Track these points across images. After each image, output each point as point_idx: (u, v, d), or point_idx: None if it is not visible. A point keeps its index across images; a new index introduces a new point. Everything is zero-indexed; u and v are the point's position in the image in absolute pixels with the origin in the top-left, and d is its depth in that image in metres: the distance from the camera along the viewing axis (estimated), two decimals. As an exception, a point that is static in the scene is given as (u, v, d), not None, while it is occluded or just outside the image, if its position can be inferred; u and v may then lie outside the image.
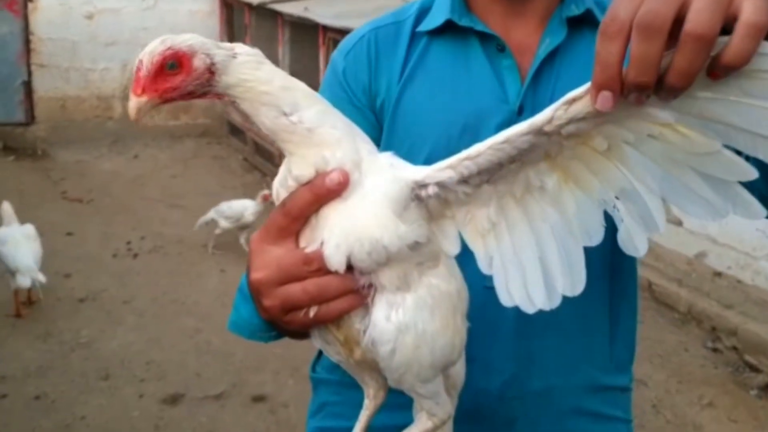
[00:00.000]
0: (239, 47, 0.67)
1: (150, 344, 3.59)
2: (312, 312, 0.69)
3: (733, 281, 4.06)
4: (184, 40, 0.64)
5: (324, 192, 0.66)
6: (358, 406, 1.02)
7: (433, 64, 1.01)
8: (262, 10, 6.10)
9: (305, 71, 5.04)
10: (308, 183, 0.67)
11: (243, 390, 3.25)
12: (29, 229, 3.86)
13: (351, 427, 1.03)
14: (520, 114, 0.96)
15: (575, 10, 0.98)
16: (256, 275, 0.71)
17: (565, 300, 0.70)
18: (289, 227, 0.69)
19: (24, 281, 3.63)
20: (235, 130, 7.16)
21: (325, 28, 4.99)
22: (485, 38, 0.98)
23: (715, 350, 3.79)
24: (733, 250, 4.10)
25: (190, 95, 0.66)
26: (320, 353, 1.11)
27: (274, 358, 3.47)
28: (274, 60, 6.13)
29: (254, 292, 0.73)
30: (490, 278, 0.71)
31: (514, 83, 0.97)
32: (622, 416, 1.09)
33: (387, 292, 0.69)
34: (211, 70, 0.65)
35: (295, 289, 0.69)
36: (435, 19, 1.00)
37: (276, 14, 5.76)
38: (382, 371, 0.73)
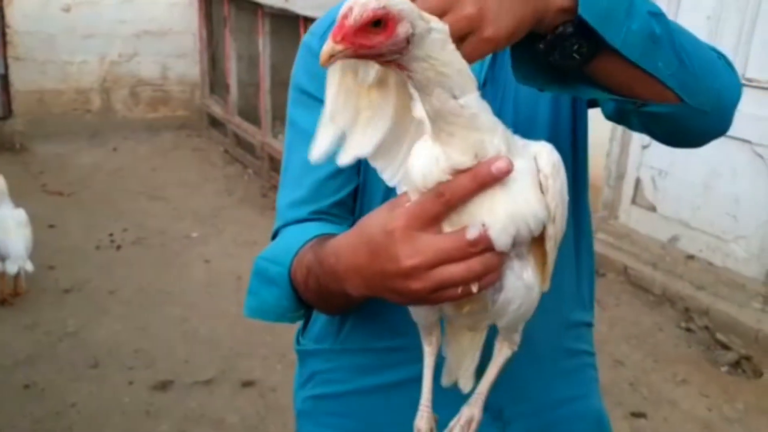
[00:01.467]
0: (435, 22, 0.66)
1: (137, 333, 3.64)
2: (474, 288, 0.71)
3: (704, 263, 4.20)
4: (398, 2, 0.63)
5: (490, 180, 0.69)
6: (350, 370, 1.09)
7: None
8: (241, 2, 6.12)
9: (286, 63, 5.08)
10: (469, 171, 0.69)
11: (232, 376, 3.32)
12: (21, 214, 3.87)
13: (345, 391, 1.10)
14: (483, 86, 1.02)
15: None
16: (411, 261, 0.70)
17: None
18: (443, 214, 0.71)
19: (11, 268, 3.67)
20: (215, 122, 7.17)
21: (306, 20, 5.03)
22: None
23: (688, 330, 3.92)
24: (705, 233, 4.23)
25: (378, 57, 0.65)
26: (305, 326, 1.15)
27: (261, 345, 3.53)
28: (255, 52, 6.13)
29: (400, 277, 0.72)
30: None
31: None
32: (588, 350, 1.18)
33: (518, 257, 0.74)
34: (408, 40, 0.64)
35: (457, 269, 0.70)
36: None
37: (256, 6, 5.79)
38: (492, 318, 0.80)
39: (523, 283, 0.76)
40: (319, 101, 1.03)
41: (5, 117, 6.67)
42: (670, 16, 3.72)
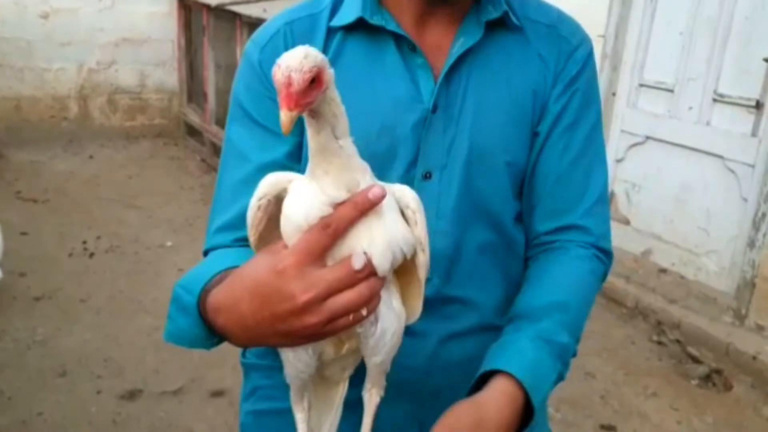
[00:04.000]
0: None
1: (107, 342, 3.60)
2: (364, 311, 0.74)
3: (677, 277, 4.23)
4: (317, 54, 0.68)
5: (368, 206, 0.73)
6: (287, 387, 1.08)
7: (349, 62, 1.00)
8: (220, 12, 6.12)
9: (263, 72, 5.05)
10: (349, 201, 0.73)
11: (201, 385, 3.29)
12: None
13: (284, 409, 1.09)
14: (434, 112, 1.00)
15: (493, 13, 1.01)
16: (306, 296, 0.72)
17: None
18: (330, 246, 0.74)
19: (-20, 276, 3.62)
20: (193, 131, 7.15)
21: (283, 30, 5.03)
22: (398, 36, 1.00)
23: (659, 343, 3.94)
24: (677, 247, 4.27)
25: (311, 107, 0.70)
26: None
27: (232, 355, 3.44)
28: (232, 61, 6.12)
29: (296, 314, 0.74)
30: None
31: (428, 82, 1.01)
32: None
33: (385, 288, 0.78)
34: (326, 84, 0.69)
35: (349, 296, 0.73)
36: (347, 14, 1.00)
37: (234, 15, 5.79)
38: (368, 356, 0.83)
39: (394, 312, 0.81)
40: (255, 122, 1.02)
41: (-20, 123, 6.60)
42: (644, 32, 3.81)
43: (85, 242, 4.79)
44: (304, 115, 0.71)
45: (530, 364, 0.91)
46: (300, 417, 0.88)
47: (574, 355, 1.01)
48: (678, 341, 3.91)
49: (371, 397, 0.88)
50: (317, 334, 0.76)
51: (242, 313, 0.76)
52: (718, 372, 3.66)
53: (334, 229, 0.72)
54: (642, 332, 4.05)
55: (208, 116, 6.67)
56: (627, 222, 4.58)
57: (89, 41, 6.95)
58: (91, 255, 4.65)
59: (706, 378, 3.64)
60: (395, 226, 0.76)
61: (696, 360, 3.76)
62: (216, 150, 6.52)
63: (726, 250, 4.01)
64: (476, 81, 1.01)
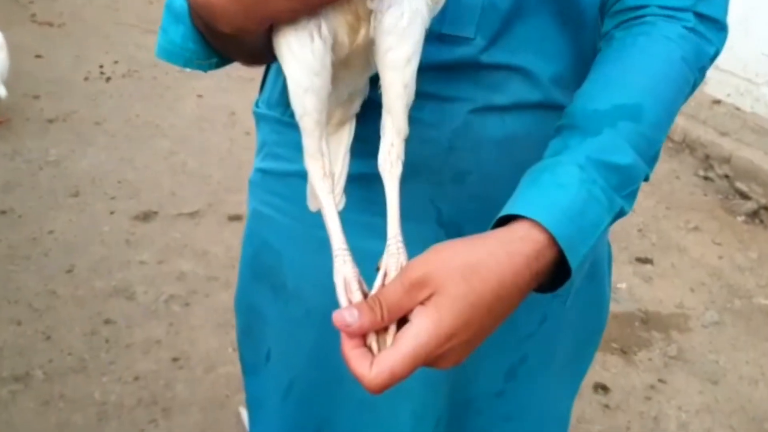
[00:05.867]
0: None
1: (122, 164, 3.46)
2: None
3: (731, 108, 3.90)
4: None
5: None
6: (296, 148, 0.88)
7: None
8: None
9: None
10: None
11: (219, 209, 3.16)
12: None
13: (289, 171, 0.93)
14: None
15: None
16: None
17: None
18: None
19: (-15, 91, 3.46)
20: (215, -45, 6.72)
21: None
22: None
23: (706, 178, 3.69)
24: (735, 76, 3.91)
25: None
26: (262, 87, 0.99)
27: (251, 179, 3.36)
28: None
29: None
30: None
31: None
32: None
33: None
34: None
35: None
36: None
37: None
38: (383, 52, 0.64)
39: None
40: None
41: (-9, -57, 6.24)
42: None
43: (101, 66, 4.58)
44: None
45: (572, 206, 0.66)
46: (316, 167, 0.68)
47: (647, 179, 0.73)
48: (726, 176, 3.65)
49: (392, 169, 0.66)
50: None
51: None
52: (767, 209, 3.42)
53: None
54: (688, 166, 3.79)
55: (230, -64, 6.23)
56: (680, 49, 4.20)
57: None
58: (108, 79, 4.45)
59: (754, 214, 3.41)
60: None
61: (744, 195, 3.51)
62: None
63: (790, 79, 3.66)
64: None
